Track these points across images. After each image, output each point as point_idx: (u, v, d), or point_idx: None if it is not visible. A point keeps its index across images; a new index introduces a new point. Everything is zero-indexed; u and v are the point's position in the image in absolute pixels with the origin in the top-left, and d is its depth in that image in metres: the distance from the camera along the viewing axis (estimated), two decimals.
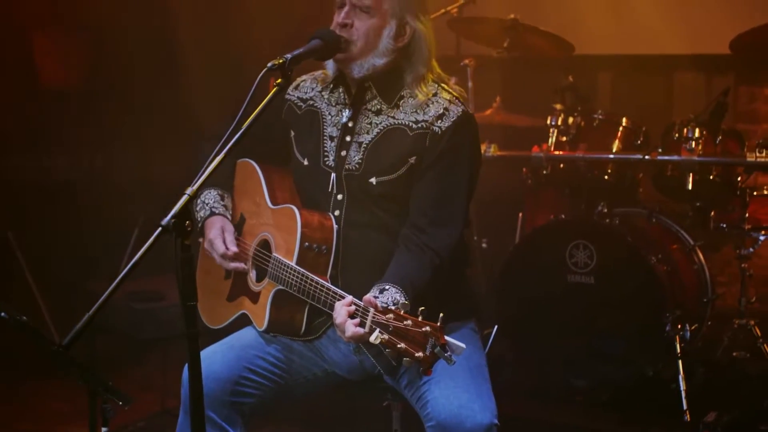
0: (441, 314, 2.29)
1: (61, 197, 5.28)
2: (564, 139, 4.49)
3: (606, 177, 4.51)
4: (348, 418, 3.75)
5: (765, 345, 4.44)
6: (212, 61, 5.57)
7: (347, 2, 2.78)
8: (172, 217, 2.28)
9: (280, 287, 2.78)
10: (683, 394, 4.01)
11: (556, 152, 4.48)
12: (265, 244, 2.91)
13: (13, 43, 5.15)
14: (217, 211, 2.98)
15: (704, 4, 5.64)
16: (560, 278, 4.27)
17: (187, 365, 2.74)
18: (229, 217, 3.00)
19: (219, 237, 2.90)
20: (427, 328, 2.28)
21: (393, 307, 2.38)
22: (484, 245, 5.13)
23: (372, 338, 2.35)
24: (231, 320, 3.01)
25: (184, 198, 2.32)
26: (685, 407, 3.98)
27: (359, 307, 2.45)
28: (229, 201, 3.05)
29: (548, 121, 4.51)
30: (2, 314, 2.74)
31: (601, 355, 4.23)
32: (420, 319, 2.31)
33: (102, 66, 5.50)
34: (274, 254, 2.83)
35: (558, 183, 4.65)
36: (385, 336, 2.33)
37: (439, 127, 2.76)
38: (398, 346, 2.30)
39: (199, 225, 3.00)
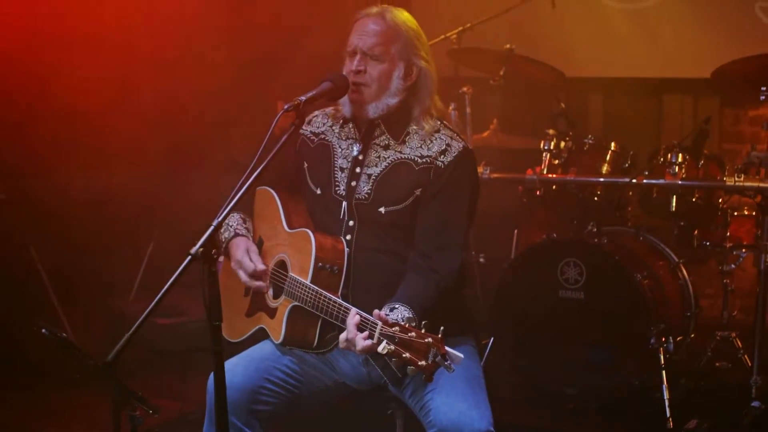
0: (442, 327, 2.56)
1: (79, 213, 5.48)
2: (556, 162, 4.78)
3: (595, 198, 4.79)
4: (354, 426, 4.00)
5: (745, 356, 4.72)
6: (227, 81, 5.81)
7: (359, 51, 3.07)
8: (201, 246, 2.55)
9: (296, 303, 3.05)
10: (666, 402, 4.25)
11: (549, 175, 4.75)
12: (281, 264, 3.18)
13: (30, 63, 5.38)
14: (240, 233, 3.24)
15: (691, 31, 5.93)
16: (552, 293, 4.51)
17: (211, 376, 3.05)
18: (251, 238, 3.26)
19: (246, 256, 3.14)
20: (429, 339, 2.54)
21: (405, 322, 2.65)
22: (481, 260, 5.35)
23: (380, 348, 2.62)
24: (249, 334, 3.28)
25: (211, 228, 2.60)
26: (668, 414, 4.22)
27: (368, 320, 2.73)
28: (250, 224, 3.32)
29: (541, 146, 4.80)
30: (43, 331, 3.01)
31: (590, 366, 4.45)
32: (423, 331, 2.58)
33: (118, 85, 5.73)
34: (290, 273, 3.10)
35: (551, 203, 4.92)
36: (392, 347, 2.59)
37: (442, 161, 3.05)
38: (403, 355, 2.57)
39: (224, 246, 3.27)
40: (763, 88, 4.25)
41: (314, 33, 6.02)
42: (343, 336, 2.79)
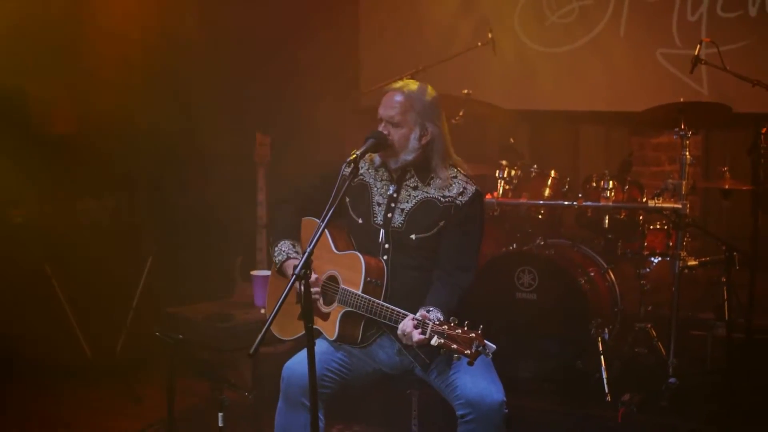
0: (481, 325, 3.47)
1: (86, 234, 6.15)
2: (508, 187, 5.71)
3: (539, 216, 5.75)
4: (381, 404, 4.83)
5: (659, 343, 5.65)
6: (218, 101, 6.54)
7: (384, 119, 3.98)
8: (301, 268, 3.40)
9: (348, 309, 3.93)
10: (605, 381, 5.13)
11: (504, 199, 5.68)
12: (332, 279, 4.05)
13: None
14: (292, 256, 4.11)
15: (602, 71, 6.91)
16: (510, 295, 5.38)
17: (285, 364, 3.91)
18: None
19: None
20: (473, 335, 3.45)
21: (448, 322, 3.54)
22: None
23: (432, 341, 3.52)
24: (301, 333, 4.11)
25: (306, 255, 3.42)
26: (606, 390, 5.10)
27: (419, 321, 3.62)
28: (299, 248, 4.18)
29: (497, 174, 5.72)
30: (157, 334, 3.80)
31: (542, 354, 5.30)
32: (466, 329, 3.49)
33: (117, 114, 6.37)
34: (341, 286, 3.98)
35: (502, 220, 5.85)
36: (442, 340, 3.50)
37: (461, 201, 3.98)
38: (452, 346, 3.47)
39: (278, 267, 4.13)
40: (676, 129, 5.22)
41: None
42: (400, 330, 3.68)
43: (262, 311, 4.95)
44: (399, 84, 4.07)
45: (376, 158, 4.08)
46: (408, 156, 4.00)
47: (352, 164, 3.74)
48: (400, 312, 3.75)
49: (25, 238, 5.93)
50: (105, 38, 6.15)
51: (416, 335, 3.61)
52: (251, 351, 3.33)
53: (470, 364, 3.48)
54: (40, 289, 5.97)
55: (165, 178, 6.40)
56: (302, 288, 3.44)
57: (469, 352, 3.45)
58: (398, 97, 4.00)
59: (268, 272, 4.74)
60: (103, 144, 6.16)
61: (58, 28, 5.96)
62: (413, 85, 4.06)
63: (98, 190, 6.22)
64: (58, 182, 6.07)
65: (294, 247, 4.17)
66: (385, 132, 3.97)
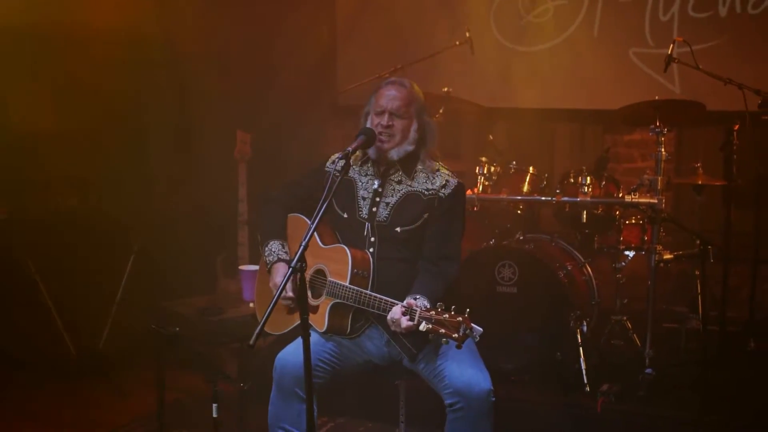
0: (468, 309, 3.57)
1: (70, 231, 6.20)
2: (488, 183, 5.81)
3: (518, 211, 5.87)
4: (368, 395, 4.92)
5: (635, 335, 5.81)
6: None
7: (387, 111, 4.06)
8: (297, 261, 3.47)
9: (337, 301, 4.01)
10: (584, 372, 5.22)
11: (484, 195, 5.77)
12: (319, 272, 4.14)
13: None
14: (282, 257, 4.19)
15: (577, 70, 7.04)
16: (491, 289, 5.44)
17: (278, 356, 3.99)
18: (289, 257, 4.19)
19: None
20: (460, 318, 3.56)
21: (435, 308, 3.64)
22: None
23: (421, 327, 3.62)
24: (291, 328, 4.19)
25: (302, 248, 3.49)
26: (585, 381, 5.20)
27: (407, 308, 3.72)
28: (287, 247, 4.25)
29: (476, 170, 5.82)
30: (153, 326, 3.87)
31: (523, 346, 5.36)
32: (453, 313, 3.59)
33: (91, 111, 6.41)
34: (329, 278, 4.07)
35: (482, 215, 5.95)
36: (430, 325, 3.60)
37: (443, 193, 4.09)
38: (440, 331, 3.58)
39: (268, 267, 4.20)
40: (652, 126, 5.34)
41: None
42: (389, 318, 3.78)
43: (251, 305, 5.02)
44: (393, 78, 4.18)
45: (371, 152, 4.14)
46: (409, 147, 4.11)
47: (344, 160, 3.83)
48: (388, 301, 3.84)
49: (8, 234, 5.94)
50: (90, 38, 6.19)
51: (404, 321, 3.71)
52: (251, 342, 3.38)
53: (458, 347, 3.58)
54: (23, 284, 5.99)
55: (150, 174, 6.44)
56: (298, 281, 3.50)
57: (457, 335, 3.55)
58: (400, 90, 4.11)
59: (256, 267, 4.81)
60: (87, 141, 6.19)
61: (44, 28, 6.00)
62: (405, 80, 4.17)
63: (82, 186, 6.23)
64: (42, 179, 6.08)
65: (283, 247, 4.24)
66: (390, 123, 4.06)
